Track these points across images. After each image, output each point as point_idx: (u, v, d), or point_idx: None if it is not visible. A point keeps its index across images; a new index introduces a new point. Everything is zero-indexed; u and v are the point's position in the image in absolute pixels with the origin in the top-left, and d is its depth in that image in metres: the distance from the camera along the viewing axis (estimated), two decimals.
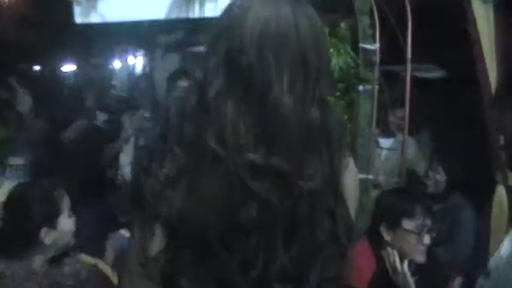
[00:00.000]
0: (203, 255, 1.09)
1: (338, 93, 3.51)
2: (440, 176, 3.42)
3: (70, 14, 2.95)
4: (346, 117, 3.51)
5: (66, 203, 2.26)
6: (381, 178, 3.60)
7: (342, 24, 3.43)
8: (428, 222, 2.38)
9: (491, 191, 3.52)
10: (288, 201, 1.08)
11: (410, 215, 2.36)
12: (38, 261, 2.20)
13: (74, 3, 2.98)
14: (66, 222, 2.24)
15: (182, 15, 3.36)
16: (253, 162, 1.07)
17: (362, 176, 3.44)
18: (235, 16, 1.14)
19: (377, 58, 3.40)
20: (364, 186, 3.43)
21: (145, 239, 1.12)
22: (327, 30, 3.46)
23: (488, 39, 3.36)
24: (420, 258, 2.36)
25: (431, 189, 3.39)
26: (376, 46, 3.39)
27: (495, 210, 3.49)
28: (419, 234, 2.33)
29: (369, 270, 2.38)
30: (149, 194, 1.11)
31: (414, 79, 3.56)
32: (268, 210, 1.07)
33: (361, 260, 2.36)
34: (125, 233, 3.27)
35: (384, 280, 2.36)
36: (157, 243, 1.11)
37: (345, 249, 1.18)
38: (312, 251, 1.12)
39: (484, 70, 3.37)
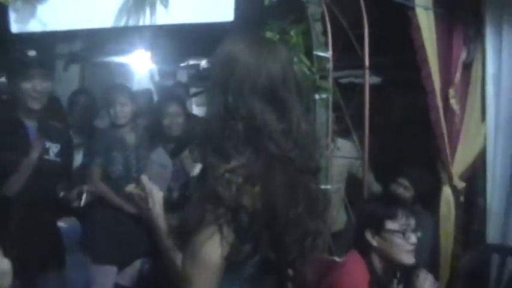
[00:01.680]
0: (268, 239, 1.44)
1: None
2: (410, 192, 3.47)
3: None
4: None
5: None
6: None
7: (292, 32, 3.30)
8: (412, 222, 2.39)
9: (438, 192, 3.65)
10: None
11: (392, 217, 2.36)
12: None
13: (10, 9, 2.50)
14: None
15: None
16: (306, 163, 1.49)
17: (321, 186, 3.35)
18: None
19: (330, 65, 3.32)
20: None
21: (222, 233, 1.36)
22: (277, 37, 3.33)
23: (431, 45, 3.46)
24: (409, 260, 2.34)
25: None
26: (330, 53, 3.31)
27: (442, 210, 3.63)
28: (404, 233, 2.34)
29: (364, 281, 2.33)
30: (226, 193, 1.35)
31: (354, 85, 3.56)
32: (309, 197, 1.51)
33: (355, 271, 2.35)
34: None
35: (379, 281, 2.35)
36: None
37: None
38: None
39: (429, 75, 3.46)
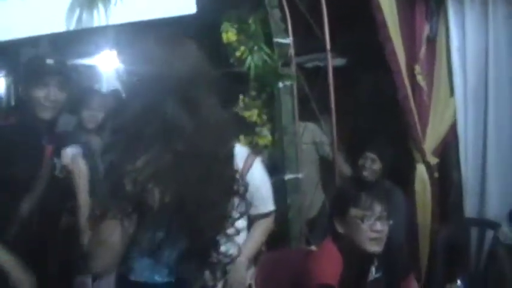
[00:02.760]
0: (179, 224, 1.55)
1: (253, 93, 3.33)
2: (377, 165, 3.42)
3: None
4: (265, 116, 3.34)
5: None
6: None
7: (250, 20, 3.23)
8: (378, 209, 2.33)
9: (412, 170, 3.62)
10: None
11: (356, 203, 2.31)
12: None
13: None
14: None
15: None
16: (216, 153, 1.57)
17: (291, 175, 3.31)
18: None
19: (292, 52, 3.26)
20: (294, 185, 3.31)
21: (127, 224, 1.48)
22: (234, 27, 3.26)
23: (392, 22, 3.40)
24: (374, 248, 2.29)
25: (368, 179, 3.36)
26: (290, 39, 3.25)
27: (418, 188, 3.60)
28: (365, 220, 2.28)
29: (337, 267, 2.30)
30: (131, 188, 1.45)
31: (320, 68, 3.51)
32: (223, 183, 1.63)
33: (328, 258, 2.33)
34: None
35: (352, 275, 2.31)
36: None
37: None
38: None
39: (393, 53, 3.41)
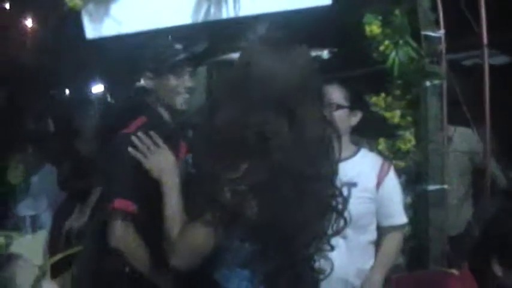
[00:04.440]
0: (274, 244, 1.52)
1: (398, 92, 3.01)
2: None
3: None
4: (409, 118, 3.00)
5: None
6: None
7: (397, 11, 2.91)
8: None
9: None
10: None
11: None
12: None
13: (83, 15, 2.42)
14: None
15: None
16: (314, 170, 1.51)
17: (435, 186, 2.94)
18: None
19: (443, 47, 2.87)
20: (438, 198, 2.93)
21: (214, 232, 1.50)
22: (379, 19, 2.96)
23: None
24: None
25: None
26: (441, 33, 2.86)
27: None
28: None
29: None
30: (229, 199, 1.44)
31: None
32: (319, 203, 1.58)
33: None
34: None
35: None
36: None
37: None
38: None
39: None
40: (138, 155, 1.95)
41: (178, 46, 2.24)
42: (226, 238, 1.54)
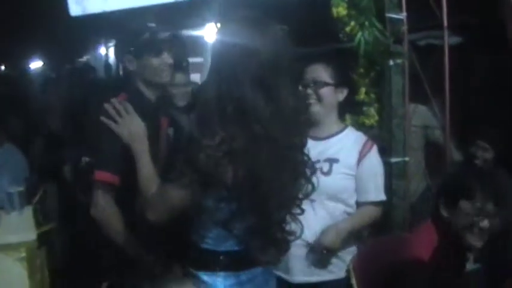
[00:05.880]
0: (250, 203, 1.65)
1: (362, 70, 3.19)
2: (489, 154, 3.19)
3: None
4: (373, 96, 3.19)
5: None
6: None
7: None
8: (490, 207, 2.12)
9: None
10: None
11: (468, 197, 2.14)
12: None
13: None
14: None
15: None
16: (291, 139, 1.69)
17: (398, 159, 3.15)
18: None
19: (405, 28, 3.07)
20: (400, 169, 3.15)
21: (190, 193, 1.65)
22: (345, 1, 3.12)
23: None
24: (475, 242, 2.15)
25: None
26: (404, 15, 3.06)
27: None
28: (475, 216, 2.12)
29: (433, 250, 2.18)
30: (205, 163, 1.57)
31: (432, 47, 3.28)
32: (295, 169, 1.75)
33: (425, 240, 2.21)
34: None
35: (449, 262, 2.20)
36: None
37: None
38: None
39: None
40: (109, 122, 2.05)
41: (152, 25, 2.33)
42: (202, 198, 1.68)
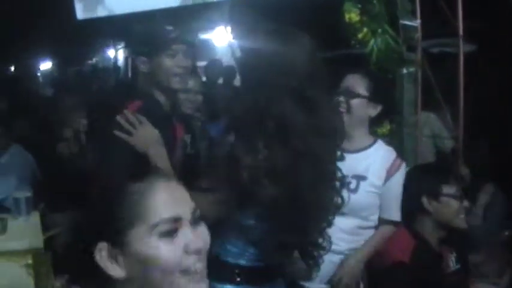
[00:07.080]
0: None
1: None
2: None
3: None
4: None
5: None
6: None
7: (375, 0, 3.03)
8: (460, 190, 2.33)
9: None
10: None
11: (448, 181, 2.31)
12: None
13: None
14: None
15: None
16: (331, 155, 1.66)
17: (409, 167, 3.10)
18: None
19: (419, 35, 3.02)
20: None
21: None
22: (358, 7, 3.08)
23: None
24: (462, 224, 2.31)
25: None
26: (418, 22, 3.01)
27: None
28: (460, 197, 2.28)
29: (406, 249, 2.26)
30: (246, 182, 1.51)
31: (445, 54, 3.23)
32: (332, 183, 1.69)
33: (401, 236, 2.33)
34: None
35: (428, 260, 2.29)
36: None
37: None
38: None
39: None
40: (123, 135, 1.99)
41: (168, 27, 2.29)
42: (235, 215, 1.62)
